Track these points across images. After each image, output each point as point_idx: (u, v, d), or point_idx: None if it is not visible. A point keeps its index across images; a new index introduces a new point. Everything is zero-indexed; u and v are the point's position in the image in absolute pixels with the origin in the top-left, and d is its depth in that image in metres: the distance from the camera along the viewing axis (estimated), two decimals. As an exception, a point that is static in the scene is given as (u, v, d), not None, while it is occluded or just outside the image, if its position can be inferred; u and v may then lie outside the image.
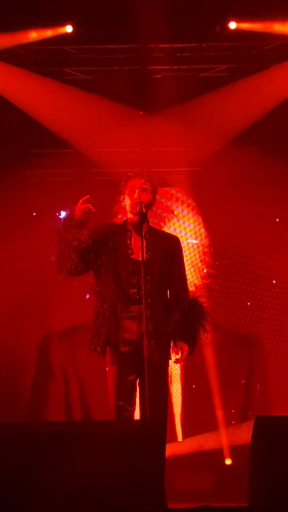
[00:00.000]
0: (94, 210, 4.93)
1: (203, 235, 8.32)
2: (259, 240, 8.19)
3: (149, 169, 7.28)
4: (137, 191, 5.07)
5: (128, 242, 5.06)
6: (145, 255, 4.96)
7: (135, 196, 5.05)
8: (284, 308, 8.20)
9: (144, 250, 4.97)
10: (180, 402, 8.12)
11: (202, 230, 8.37)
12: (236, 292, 8.28)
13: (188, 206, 8.43)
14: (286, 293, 8.23)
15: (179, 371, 8.10)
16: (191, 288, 5.55)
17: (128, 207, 5.10)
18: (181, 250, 5.18)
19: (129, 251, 5.03)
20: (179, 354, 4.94)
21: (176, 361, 5.00)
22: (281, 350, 8.17)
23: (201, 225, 8.36)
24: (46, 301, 8.12)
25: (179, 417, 8.07)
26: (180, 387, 8.12)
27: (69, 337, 8.09)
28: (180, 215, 8.40)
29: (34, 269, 7.91)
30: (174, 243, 5.14)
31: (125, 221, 5.17)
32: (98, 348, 4.91)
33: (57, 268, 4.96)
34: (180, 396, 8.12)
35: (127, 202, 5.11)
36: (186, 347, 4.94)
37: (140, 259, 4.88)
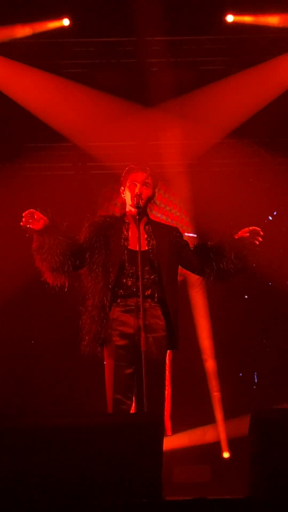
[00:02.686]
0: (36, 210, 4.90)
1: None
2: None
3: (147, 162, 7.26)
4: (138, 185, 5.06)
5: (126, 233, 5.06)
6: (145, 246, 4.98)
7: (136, 190, 5.04)
8: (279, 301, 8.19)
9: (145, 241, 5.00)
10: (168, 396, 8.10)
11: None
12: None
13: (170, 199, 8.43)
14: (281, 285, 8.21)
15: (166, 364, 8.06)
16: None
17: (128, 200, 5.09)
18: (183, 238, 5.19)
19: (126, 242, 5.02)
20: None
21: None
22: (278, 341, 8.16)
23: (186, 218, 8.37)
24: (43, 297, 8.07)
25: (167, 411, 8.05)
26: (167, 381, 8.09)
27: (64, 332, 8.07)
28: (167, 208, 8.39)
29: (30, 263, 7.86)
30: (176, 233, 5.15)
31: (124, 214, 5.17)
32: (90, 345, 4.91)
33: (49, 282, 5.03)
34: (167, 390, 8.09)
35: (127, 195, 5.10)
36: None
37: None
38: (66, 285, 5.00)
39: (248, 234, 5.02)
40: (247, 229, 5.03)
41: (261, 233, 5.03)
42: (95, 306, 4.90)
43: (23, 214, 4.91)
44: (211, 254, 5.02)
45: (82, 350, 4.92)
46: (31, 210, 4.92)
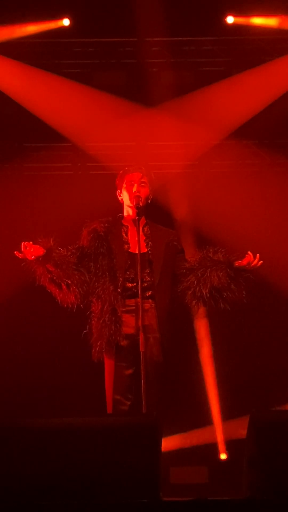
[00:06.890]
0: (30, 243, 4.87)
1: None
2: (255, 234, 8.16)
3: (146, 163, 7.25)
4: (135, 185, 5.07)
5: (125, 236, 5.05)
6: (145, 248, 4.98)
7: (134, 189, 5.04)
8: (278, 302, 8.17)
9: (144, 243, 5.00)
10: None
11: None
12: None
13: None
14: (281, 285, 8.19)
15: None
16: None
17: (126, 201, 5.09)
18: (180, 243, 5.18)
19: (126, 245, 5.03)
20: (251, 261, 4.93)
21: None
22: (277, 339, 8.14)
23: None
24: (42, 297, 8.04)
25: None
26: None
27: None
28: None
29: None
30: (174, 238, 5.14)
31: (121, 216, 5.16)
32: (103, 350, 4.89)
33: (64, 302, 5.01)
34: None
35: (125, 196, 5.10)
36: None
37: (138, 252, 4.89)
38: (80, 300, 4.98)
39: (246, 263, 4.95)
40: (249, 258, 4.97)
41: (260, 262, 4.98)
42: (106, 310, 4.89)
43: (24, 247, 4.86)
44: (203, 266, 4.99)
45: (95, 357, 4.92)
46: (27, 243, 4.87)
